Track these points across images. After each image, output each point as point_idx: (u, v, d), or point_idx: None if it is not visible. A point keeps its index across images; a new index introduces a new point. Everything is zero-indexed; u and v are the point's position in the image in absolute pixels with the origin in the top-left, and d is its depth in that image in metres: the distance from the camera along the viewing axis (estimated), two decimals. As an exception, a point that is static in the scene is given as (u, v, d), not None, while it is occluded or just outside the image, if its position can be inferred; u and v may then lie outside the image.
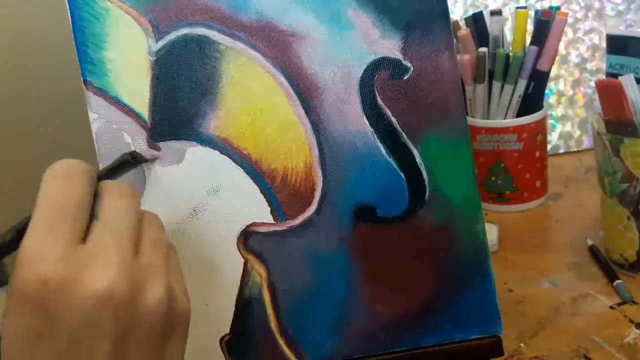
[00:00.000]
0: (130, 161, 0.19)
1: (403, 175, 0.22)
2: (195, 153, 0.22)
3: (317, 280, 0.22)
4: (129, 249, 0.15)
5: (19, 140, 0.42)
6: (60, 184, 0.15)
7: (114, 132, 0.21)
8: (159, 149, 0.22)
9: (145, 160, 0.21)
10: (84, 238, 0.15)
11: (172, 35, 0.21)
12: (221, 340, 0.22)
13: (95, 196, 0.16)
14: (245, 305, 0.22)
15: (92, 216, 0.16)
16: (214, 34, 0.21)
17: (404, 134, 0.21)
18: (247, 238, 0.22)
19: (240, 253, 0.22)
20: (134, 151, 0.20)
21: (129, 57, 0.21)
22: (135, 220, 0.16)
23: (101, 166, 0.21)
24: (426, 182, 0.21)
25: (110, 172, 0.19)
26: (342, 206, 0.21)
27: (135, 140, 0.21)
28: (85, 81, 0.21)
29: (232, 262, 0.22)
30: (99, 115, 0.21)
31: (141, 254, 0.16)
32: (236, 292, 0.22)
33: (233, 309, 0.22)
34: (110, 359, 0.14)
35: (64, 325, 0.14)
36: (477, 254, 0.22)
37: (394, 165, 0.21)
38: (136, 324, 0.15)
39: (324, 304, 0.22)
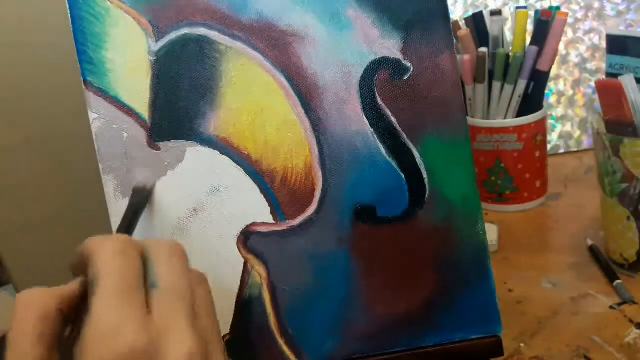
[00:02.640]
0: (143, 201, 0.19)
1: (403, 176, 0.22)
2: (195, 153, 0.22)
3: (317, 280, 0.22)
4: (193, 317, 0.15)
5: (17, 142, 0.42)
6: (118, 259, 0.15)
7: (114, 132, 0.21)
8: (158, 149, 0.22)
9: (152, 190, 0.20)
10: (148, 308, 0.15)
11: (172, 36, 0.21)
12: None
13: (145, 260, 0.16)
14: (245, 305, 0.22)
15: (147, 284, 0.15)
16: (214, 34, 0.21)
17: (404, 134, 0.21)
18: (247, 238, 0.22)
19: (240, 253, 0.22)
20: (138, 188, 0.19)
21: (129, 57, 0.21)
22: (189, 282, 0.16)
23: (101, 166, 0.21)
24: (426, 183, 0.21)
25: (131, 222, 0.19)
26: (342, 206, 0.21)
27: (136, 140, 0.21)
28: (85, 81, 0.21)
29: (232, 262, 0.22)
30: (98, 115, 0.21)
31: (200, 319, 0.16)
32: (236, 292, 0.22)
33: (233, 308, 0.22)
34: None
35: None
36: (477, 254, 0.22)
37: (394, 165, 0.21)
38: None
39: (324, 304, 0.22)
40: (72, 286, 0.16)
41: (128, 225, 0.19)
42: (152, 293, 0.15)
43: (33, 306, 0.15)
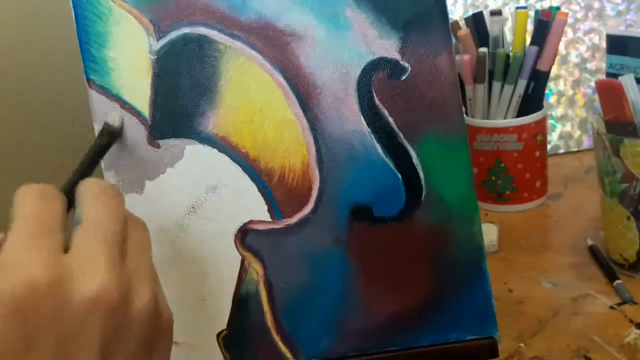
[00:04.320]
0: (106, 141, 0.18)
1: (400, 176, 0.22)
2: (194, 151, 0.22)
3: (313, 278, 0.22)
4: (116, 253, 0.15)
5: (21, 138, 0.42)
6: (37, 201, 0.15)
7: (114, 131, 0.22)
8: (158, 147, 0.22)
9: (119, 133, 0.19)
10: (67, 249, 0.15)
11: (173, 35, 0.22)
12: (218, 335, 0.22)
13: (75, 197, 0.16)
14: (242, 302, 0.22)
15: (73, 220, 0.15)
16: (213, 34, 0.22)
17: (401, 134, 0.22)
18: (245, 235, 0.22)
19: (238, 250, 0.22)
20: (106, 125, 0.19)
21: (131, 56, 0.21)
22: (119, 224, 0.16)
23: (102, 163, 0.21)
24: (423, 183, 0.22)
25: (91, 162, 0.18)
26: (339, 205, 0.22)
27: (137, 137, 0.22)
28: (88, 79, 0.21)
29: (230, 259, 0.22)
30: (101, 113, 0.22)
31: (128, 259, 0.16)
32: (233, 288, 0.22)
33: (230, 305, 0.22)
34: None
35: (53, 331, 0.13)
36: (473, 255, 0.22)
37: (391, 165, 0.22)
38: (124, 329, 0.14)
39: (320, 302, 0.22)
40: None
41: (89, 164, 0.18)
42: (74, 230, 0.15)
43: None
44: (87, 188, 0.16)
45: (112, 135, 0.19)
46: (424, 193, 0.22)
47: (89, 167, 0.18)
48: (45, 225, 0.15)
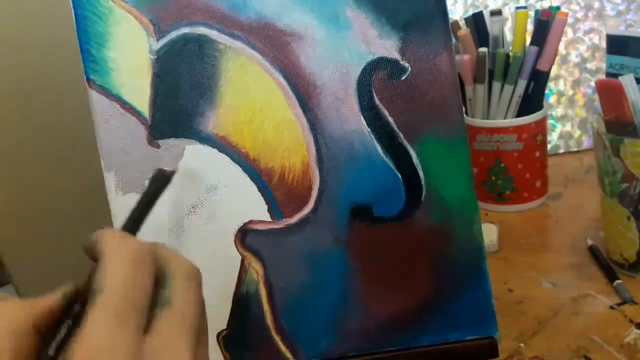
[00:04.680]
0: (163, 183, 0.18)
1: (400, 176, 0.22)
2: (195, 151, 0.22)
3: (313, 278, 0.22)
4: (195, 342, 0.14)
5: (19, 140, 0.42)
6: (128, 270, 0.14)
7: (115, 130, 0.22)
8: (158, 147, 0.22)
9: (171, 179, 0.18)
10: (147, 328, 0.14)
11: (173, 35, 0.22)
12: (218, 335, 0.22)
13: (166, 273, 0.15)
14: (242, 302, 0.22)
15: (159, 298, 0.14)
16: (213, 33, 0.22)
17: (400, 134, 0.22)
18: (245, 235, 0.22)
19: (238, 250, 0.22)
20: (160, 170, 0.18)
21: (131, 56, 0.21)
22: (204, 317, 0.15)
23: (103, 163, 0.22)
24: (423, 183, 0.22)
25: (144, 208, 0.17)
26: (339, 205, 0.22)
27: (137, 137, 0.22)
28: (88, 79, 0.22)
29: (230, 259, 0.22)
30: (101, 113, 0.22)
31: (200, 346, 0.15)
32: (233, 288, 0.22)
33: (230, 305, 0.22)
34: None
35: None
36: (473, 255, 0.22)
37: (391, 165, 0.22)
38: None
39: (320, 301, 0.22)
40: (50, 300, 0.14)
41: (140, 214, 0.17)
42: (160, 310, 0.14)
43: (4, 320, 0.14)
44: (181, 267, 0.15)
45: (165, 180, 0.18)
46: (424, 193, 0.22)
47: (143, 212, 0.17)
48: (134, 304, 0.14)
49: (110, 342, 0.13)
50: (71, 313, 0.14)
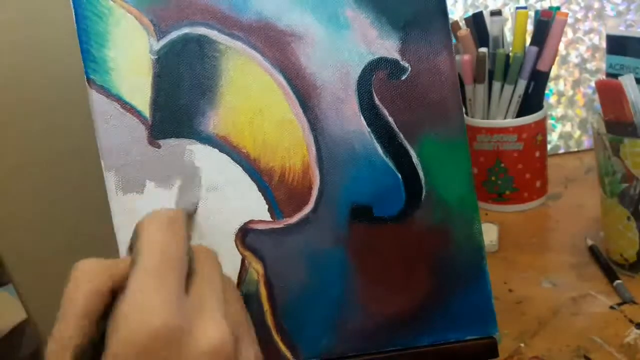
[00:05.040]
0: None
1: (399, 176, 0.22)
2: (195, 151, 0.22)
3: (313, 278, 0.22)
4: (224, 302, 0.15)
5: (19, 139, 0.42)
6: (166, 232, 0.15)
7: (115, 130, 0.22)
8: (159, 147, 0.22)
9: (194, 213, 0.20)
10: (186, 289, 0.15)
11: (173, 35, 0.22)
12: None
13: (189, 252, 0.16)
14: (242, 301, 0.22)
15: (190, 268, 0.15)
16: (213, 34, 0.22)
17: (400, 134, 0.22)
18: (245, 235, 0.22)
19: (238, 249, 0.22)
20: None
21: (131, 56, 0.21)
22: (225, 284, 0.16)
23: (103, 163, 0.22)
24: (422, 183, 0.22)
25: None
26: (339, 205, 0.22)
27: (137, 137, 0.22)
28: (88, 79, 0.22)
29: (230, 259, 0.22)
30: (101, 113, 0.22)
31: (230, 305, 0.16)
32: (233, 288, 0.22)
33: (230, 305, 0.22)
34: None
35: None
36: (473, 255, 0.22)
37: (391, 165, 0.22)
38: None
39: (320, 301, 0.22)
40: (125, 264, 0.15)
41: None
42: (192, 277, 0.15)
43: (88, 280, 0.15)
44: (200, 249, 0.17)
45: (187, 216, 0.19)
46: (424, 193, 0.22)
47: None
48: (171, 262, 0.15)
49: (151, 298, 0.14)
50: None
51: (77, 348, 0.14)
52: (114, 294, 0.15)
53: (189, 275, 0.15)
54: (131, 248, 0.16)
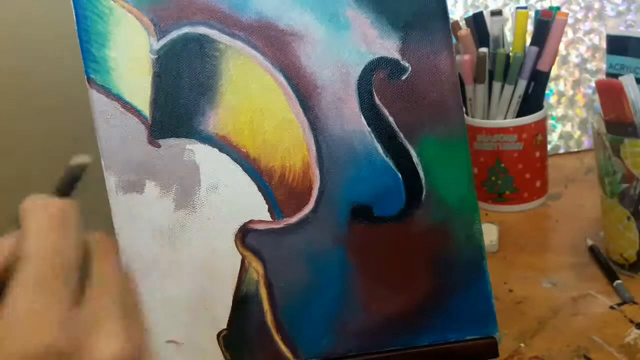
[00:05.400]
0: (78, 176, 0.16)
1: (400, 175, 0.22)
2: (195, 150, 0.22)
3: (313, 278, 0.22)
4: (124, 316, 0.14)
5: (19, 138, 0.42)
6: (58, 231, 0.13)
7: (115, 129, 0.22)
8: (159, 146, 0.22)
9: (83, 170, 0.17)
10: (81, 298, 0.13)
11: (173, 34, 0.22)
12: (218, 335, 0.22)
13: (87, 245, 0.14)
14: (242, 301, 0.22)
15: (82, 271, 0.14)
16: (214, 33, 0.22)
17: (401, 134, 0.22)
18: (245, 235, 0.22)
19: (238, 250, 0.22)
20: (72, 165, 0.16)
21: (131, 56, 0.21)
22: (124, 283, 0.15)
23: (103, 162, 0.22)
24: (423, 182, 0.22)
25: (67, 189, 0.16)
26: (339, 205, 0.22)
27: (137, 137, 0.22)
28: (88, 78, 0.22)
29: (230, 259, 0.22)
30: (101, 112, 0.22)
31: (131, 320, 0.14)
32: (233, 288, 0.22)
33: (230, 305, 0.22)
34: None
35: None
36: (473, 255, 0.22)
37: (391, 165, 0.22)
38: None
39: (320, 301, 0.22)
40: (6, 242, 0.14)
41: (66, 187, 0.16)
42: (86, 284, 0.14)
43: None
44: (97, 242, 0.15)
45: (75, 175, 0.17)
46: (424, 193, 0.22)
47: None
48: (63, 271, 0.13)
49: (39, 314, 0.13)
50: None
51: None
52: None
53: (84, 277, 0.14)
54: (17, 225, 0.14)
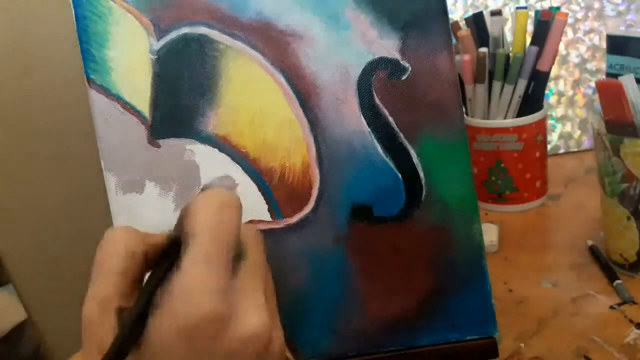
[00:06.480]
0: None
1: (400, 175, 0.22)
2: (195, 150, 0.22)
3: (313, 278, 0.22)
4: (266, 295, 0.16)
5: (19, 139, 0.42)
6: (219, 214, 0.15)
7: (115, 129, 0.22)
8: (159, 146, 0.22)
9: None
10: (234, 272, 0.15)
11: (173, 34, 0.22)
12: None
13: (241, 235, 0.16)
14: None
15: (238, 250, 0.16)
16: (214, 33, 0.22)
17: (401, 134, 0.22)
18: (245, 235, 0.22)
19: (238, 250, 0.22)
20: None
21: (131, 56, 0.21)
22: (268, 272, 0.17)
23: (103, 162, 0.22)
24: (423, 183, 0.22)
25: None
26: (339, 205, 0.22)
27: (137, 137, 0.22)
28: (88, 79, 0.22)
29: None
30: (101, 112, 0.22)
31: (269, 301, 0.16)
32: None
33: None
34: None
35: (207, 357, 0.14)
36: (473, 255, 0.22)
37: (391, 165, 0.22)
38: None
39: (320, 302, 0.22)
40: (158, 236, 0.16)
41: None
42: (238, 261, 0.16)
43: (120, 242, 0.15)
44: (250, 232, 0.17)
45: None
46: (424, 193, 0.22)
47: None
48: (223, 246, 0.15)
49: (203, 281, 0.14)
50: (169, 255, 0.15)
51: (120, 311, 0.14)
52: (148, 262, 0.15)
53: (237, 258, 0.16)
54: (179, 225, 0.16)
